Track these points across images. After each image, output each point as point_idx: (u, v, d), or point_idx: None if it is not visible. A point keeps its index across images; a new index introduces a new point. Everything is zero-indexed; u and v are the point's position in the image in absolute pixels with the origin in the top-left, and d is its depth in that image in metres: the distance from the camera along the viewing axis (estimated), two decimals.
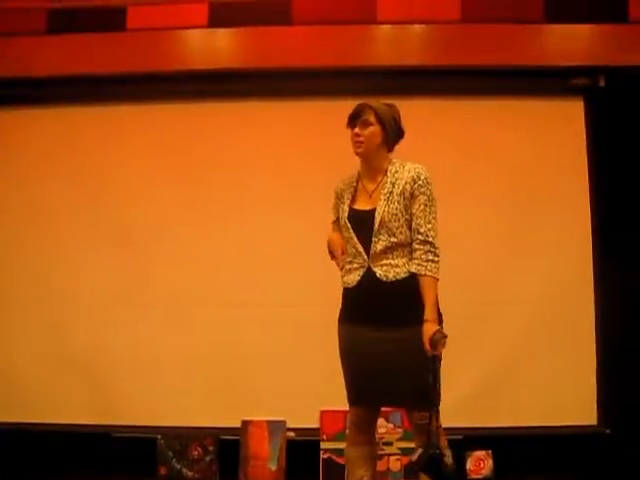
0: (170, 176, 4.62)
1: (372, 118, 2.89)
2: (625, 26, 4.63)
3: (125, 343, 4.50)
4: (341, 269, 2.95)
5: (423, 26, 4.70)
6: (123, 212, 4.61)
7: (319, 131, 4.48)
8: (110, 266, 4.58)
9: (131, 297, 4.55)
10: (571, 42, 4.63)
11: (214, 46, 4.66)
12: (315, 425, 4.25)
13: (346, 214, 2.93)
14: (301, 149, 4.56)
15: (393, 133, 2.94)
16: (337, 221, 3.01)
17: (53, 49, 4.68)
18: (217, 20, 4.69)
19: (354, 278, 2.86)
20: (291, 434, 4.26)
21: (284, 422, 4.26)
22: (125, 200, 4.63)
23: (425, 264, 2.78)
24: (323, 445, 4.21)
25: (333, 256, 2.92)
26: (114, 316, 4.52)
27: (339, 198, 3.00)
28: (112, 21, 4.68)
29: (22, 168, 4.67)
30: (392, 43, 4.72)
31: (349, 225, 2.90)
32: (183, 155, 4.64)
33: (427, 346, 2.71)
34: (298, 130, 4.57)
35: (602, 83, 4.53)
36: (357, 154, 2.94)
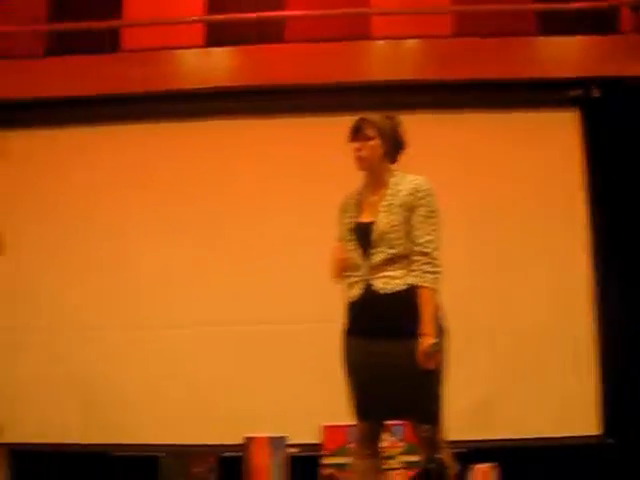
0: (165, 196, 4.64)
1: (372, 132, 2.90)
2: (617, 37, 4.68)
3: (126, 364, 4.50)
4: (345, 283, 2.95)
5: (416, 41, 4.74)
6: (114, 235, 4.62)
7: (315, 147, 4.51)
8: (109, 289, 4.58)
9: (128, 318, 4.56)
10: (564, 54, 4.67)
11: (210, 65, 4.69)
12: (317, 441, 4.24)
13: (348, 227, 2.94)
14: (298, 165, 4.58)
15: (394, 145, 2.95)
16: (341, 236, 3.01)
17: (49, 72, 4.70)
18: (213, 39, 4.73)
19: (356, 292, 2.86)
20: (293, 450, 4.25)
21: (286, 438, 4.25)
22: (116, 222, 4.63)
23: (423, 275, 2.77)
24: (325, 460, 4.20)
25: (335, 272, 2.92)
26: (114, 338, 4.53)
27: (343, 212, 3.01)
28: (107, 43, 4.73)
29: (11, 189, 4.66)
30: (386, 58, 4.76)
31: (350, 238, 2.91)
32: (178, 174, 4.66)
33: (420, 359, 2.70)
34: (294, 147, 4.59)
35: (596, 94, 4.56)
36: (359, 168, 2.95)
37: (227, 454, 4.29)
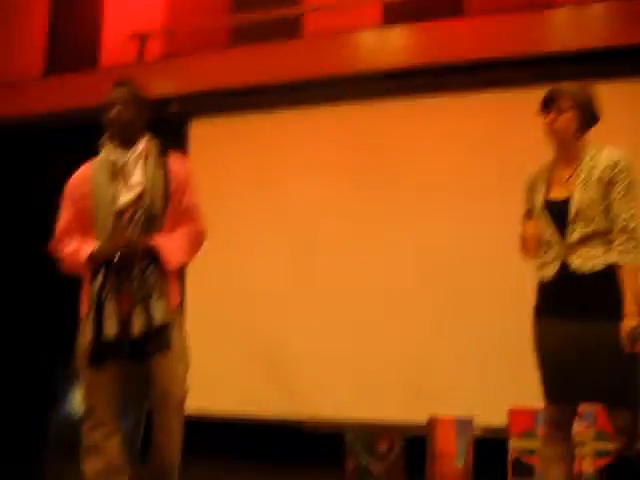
0: (350, 175, 4.75)
1: (567, 103, 2.77)
2: None
3: (316, 340, 4.66)
4: (535, 262, 2.85)
5: (604, 4, 4.44)
6: (298, 212, 4.82)
7: (500, 123, 4.41)
8: (293, 266, 4.78)
9: (316, 295, 4.74)
10: None
11: (388, 45, 4.70)
12: (503, 423, 4.15)
13: (540, 204, 2.82)
14: (481, 142, 4.49)
15: (588, 117, 2.80)
16: (528, 213, 2.91)
17: (235, 61, 4.94)
18: (391, 18, 4.74)
19: (549, 271, 2.76)
20: (478, 432, 4.20)
21: (471, 420, 4.20)
22: (301, 200, 4.82)
23: (626, 253, 2.63)
24: (512, 444, 4.10)
25: (527, 250, 2.82)
26: (306, 313, 4.72)
27: (531, 189, 2.91)
28: (290, 29, 4.87)
29: (207, 174, 4.90)
30: (571, 26, 4.51)
31: (544, 215, 2.80)
32: (361, 154, 4.75)
33: (625, 342, 2.57)
34: (478, 123, 4.51)
35: None
36: (552, 142, 2.83)
37: (412, 433, 4.32)
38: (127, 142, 2.80)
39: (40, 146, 5.38)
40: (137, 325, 2.67)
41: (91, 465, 2.69)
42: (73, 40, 5.61)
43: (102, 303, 2.68)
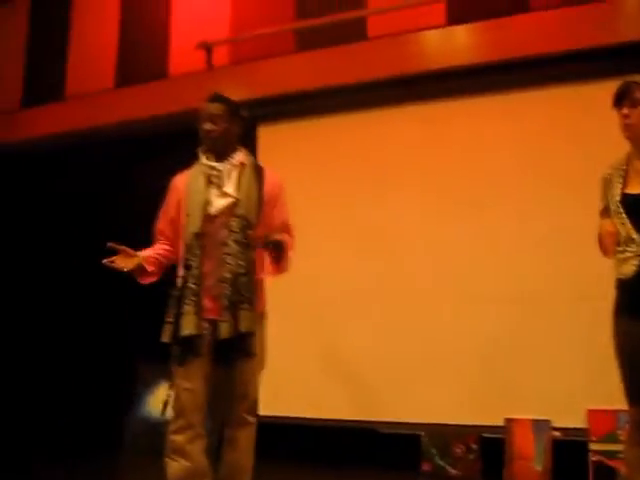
0: (418, 176, 4.75)
1: None
2: None
3: (387, 343, 4.64)
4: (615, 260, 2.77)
5: None
6: (365, 215, 4.83)
7: (567, 118, 4.35)
8: (362, 269, 4.78)
9: (386, 298, 4.72)
10: None
11: (454, 44, 4.66)
12: (582, 425, 4.06)
13: (617, 199, 2.75)
14: (552, 138, 4.42)
15: None
16: (605, 211, 2.84)
17: (300, 66, 4.98)
18: (455, 17, 4.69)
19: (629, 268, 2.68)
20: (557, 434, 4.11)
21: (549, 421, 4.12)
22: (368, 203, 4.82)
23: None
24: (592, 447, 4.00)
25: (604, 249, 2.75)
26: (375, 318, 4.71)
27: (607, 184, 2.83)
28: (354, 32, 4.88)
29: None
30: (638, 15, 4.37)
31: (621, 210, 2.72)
32: (428, 155, 4.74)
33: None
34: (544, 120, 4.44)
35: None
36: (627, 136, 2.75)
37: (488, 435, 4.27)
38: (221, 154, 2.90)
39: (114, 156, 5.54)
40: (224, 330, 2.73)
41: (175, 468, 2.73)
42: (142, 51, 5.75)
43: (181, 303, 2.75)
